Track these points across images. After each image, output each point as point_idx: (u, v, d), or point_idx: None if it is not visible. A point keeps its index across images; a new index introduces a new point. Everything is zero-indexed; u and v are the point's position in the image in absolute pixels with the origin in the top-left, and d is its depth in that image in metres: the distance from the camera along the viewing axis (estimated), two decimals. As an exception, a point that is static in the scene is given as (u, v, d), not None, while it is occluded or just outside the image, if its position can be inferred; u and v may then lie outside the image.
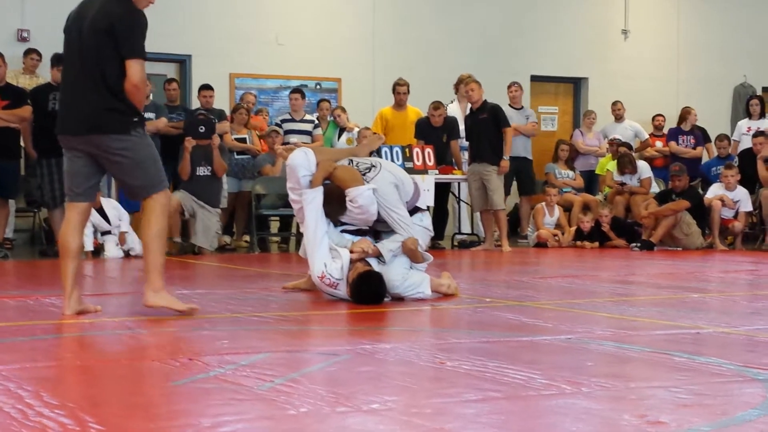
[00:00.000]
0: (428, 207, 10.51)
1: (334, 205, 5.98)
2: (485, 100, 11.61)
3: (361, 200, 5.89)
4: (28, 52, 11.98)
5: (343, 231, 6.15)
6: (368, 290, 5.81)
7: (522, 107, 13.28)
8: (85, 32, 5.23)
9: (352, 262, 5.90)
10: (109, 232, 10.32)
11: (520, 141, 12.87)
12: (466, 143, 12.11)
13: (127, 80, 5.14)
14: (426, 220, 6.41)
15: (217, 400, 3.22)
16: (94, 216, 9.98)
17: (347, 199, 5.93)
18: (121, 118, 5.18)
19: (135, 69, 5.15)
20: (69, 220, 5.40)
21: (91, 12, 5.25)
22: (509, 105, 12.99)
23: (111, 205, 10.41)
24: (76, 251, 5.35)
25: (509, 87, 13.28)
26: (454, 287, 6.38)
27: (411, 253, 6.04)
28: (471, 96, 11.58)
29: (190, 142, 10.78)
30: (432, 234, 6.74)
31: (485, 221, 11.84)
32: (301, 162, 6.03)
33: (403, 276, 6.03)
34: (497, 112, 11.56)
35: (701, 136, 14.19)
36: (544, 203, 12.64)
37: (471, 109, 11.79)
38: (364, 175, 6.04)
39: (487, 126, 11.50)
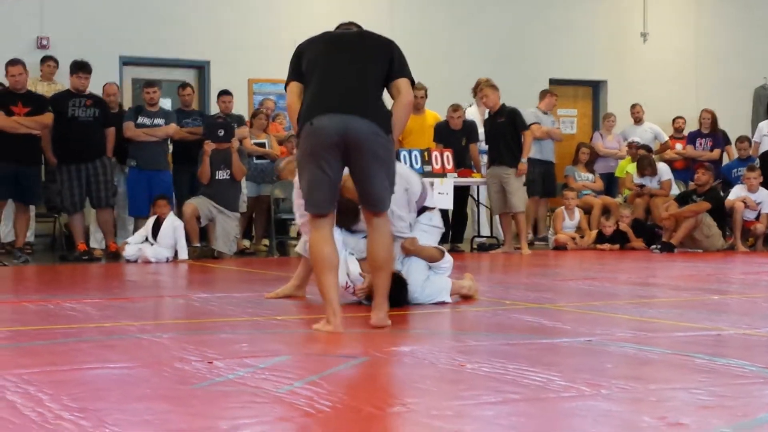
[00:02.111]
0: (445, 209, 10.50)
1: (349, 215, 5.93)
2: (503, 104, 11.59)
3: None
4: (45, 59, 12.04)
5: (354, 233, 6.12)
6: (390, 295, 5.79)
7: (548, 113, 13.28)
8: None
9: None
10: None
11: (548, 145, 12.90)
12: (485, 146, 12.10)
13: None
14: (435, 218, 6.35)
15: (236, 403, 3.22)
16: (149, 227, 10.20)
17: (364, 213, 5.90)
18: None
19: None
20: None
21: None
22: (538, 108, 12.95)
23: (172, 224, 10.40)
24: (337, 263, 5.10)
25: (546, 95, 13.24)
26: (474, 289, 6.36)
27: (415, 253, 6.01)
28: (486, 102, 11.59)
29: (209, 146, 10.81)
30: (443, 231, 6.65)
31: (505, 224, 11.82)
32: None
33: (422, 283, 6.01)
34: (515, 116, 11.54)
35: (721, 139, 14.12)
36: (563, 207, 12.61)
37: (489, 113, 11.80)
38: None
39: (506, 129, 11.49)
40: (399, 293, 5.79)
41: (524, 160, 11.54)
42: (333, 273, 4.97)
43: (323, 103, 4.91)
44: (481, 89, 11.69)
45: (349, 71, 5.02)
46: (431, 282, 6.07)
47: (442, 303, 6.05)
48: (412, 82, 5.14)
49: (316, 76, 5.01)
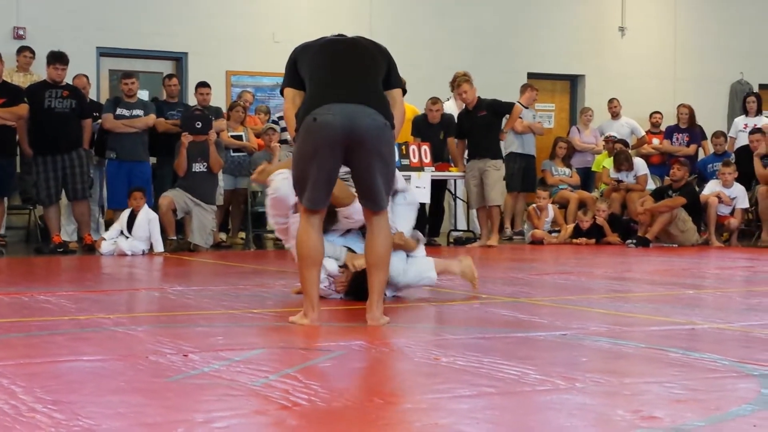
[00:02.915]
0: (422, 202, 10.52)
1: (328, 216, 5.91)
2: (479, 97, 11.63)
3: (356, 216, 5.87)
4: (22, 49, 11.96)
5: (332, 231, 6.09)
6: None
7: (528, 107, 13.30)
8: None
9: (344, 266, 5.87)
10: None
11: (530, 139, 12.94)
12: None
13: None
14: (409, 196, 6.26)
15: (211, 396, 3.21)
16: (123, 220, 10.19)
17: (342, 216, 5.88)
18: None
19: None
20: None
21: None
22: (519, 102, 13.01)
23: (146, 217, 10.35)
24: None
25: (526, 89, 13.25)
26: (470, 275, 6.30)
27: (401, 247, 6.02)
28: (465, 98, 11.60)
29: (186, 138, 10.78)
30: (417, 205, 6.56)
31: (482, 218, 11.85)
32: (288, 191, 5.70)
33: (403, 269, 6.00)
34: (497, 106, 11.62)
35: (698, 134, 14.19)
36: (534, 205, 12.63)
37: (466, 108, 11.77)
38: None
39: (488, 122, 11.54)
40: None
41: (506, 131, 11.74)
42: (316, 268, 4.95)
43: (328, 93, 4.82)
44: (459, 84, 11.67)
45: (351, 66, 4.96)
46: (412, 264, 6.06)
47: (422, 294, 6.05)
48: (404, 92, 5.13)
49: (317, 71, 4.93)
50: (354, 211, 5.79)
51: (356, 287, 5.81)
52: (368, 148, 4.79)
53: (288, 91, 5.05)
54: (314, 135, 4.75)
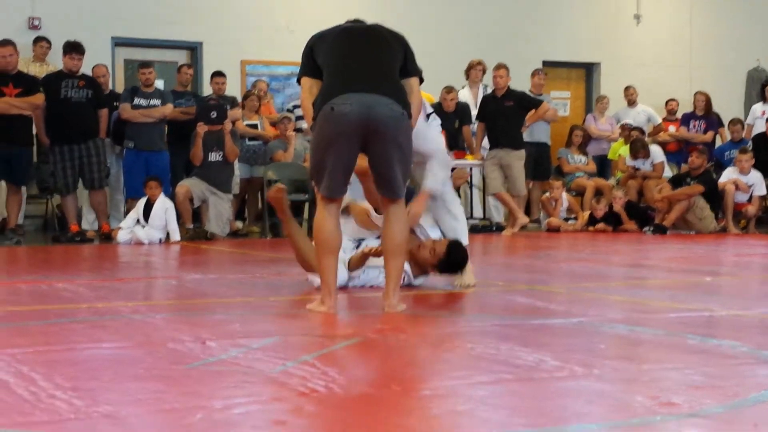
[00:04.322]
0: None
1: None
2: (509, 86, 11.75)
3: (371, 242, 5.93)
4: (38, 39, 12.00)
5: None
6: (456, 258, 5.80)
7: (541, 94, 13.29)
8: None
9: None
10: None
11: (541, 126, 12.91)
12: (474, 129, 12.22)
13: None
14: (441, 156, 6.02)
15: (229, 383, 3.22)
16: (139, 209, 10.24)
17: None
18: None
19: None
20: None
21: None
22: (530, 91, 12.99)
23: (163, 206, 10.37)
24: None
25: (534, 74, 13.31)
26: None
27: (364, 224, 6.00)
28: (498, 82, 11.76)
29: (202, 128, 10.79)
30: (449, 164, 6.52)
31: (505, 200, 11.88)
32: None
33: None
34: (525, 99, 11.80)
35: (715, 121, 14.13)
36: (548, 194, 12.62)
37: (494, 94, 11.84)
38: None
39: (514, 113, 11.67)
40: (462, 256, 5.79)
41: (528, 125, 11.95)
42: (333, 255, 4.96)
43: (345, 82, 4.82)
44: (497, 68, 11.85)
45: (368, 55, 4.97)
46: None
47: (439, 286, 6.05)
48: (421, 80, 5.12)
49: (333, 60, 4.93)
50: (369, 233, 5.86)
51: (447, 261, 5.78)
52: (385, 137, 4.79)
53: (305, 80, 5.05)
54: (331, 124, 4.75)
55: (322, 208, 4.94)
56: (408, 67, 5.06)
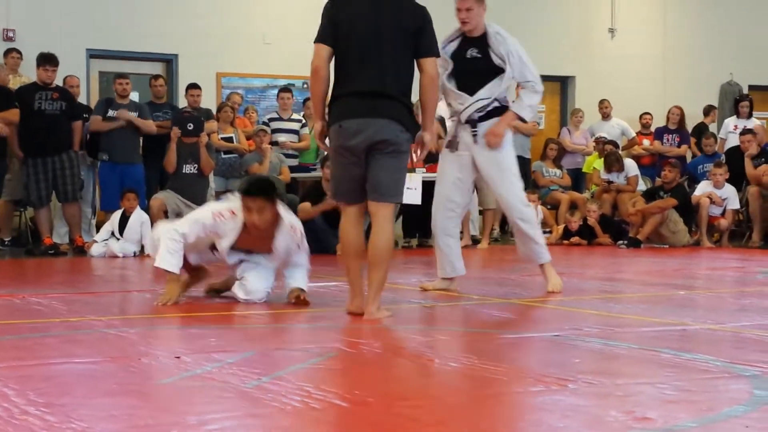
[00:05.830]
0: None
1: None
2: None
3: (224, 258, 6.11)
4: (9, 51, 11.93)
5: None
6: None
7: None
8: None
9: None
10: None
11: (519, 140, 12.93)
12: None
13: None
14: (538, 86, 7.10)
15: (204, 398, 3.21)
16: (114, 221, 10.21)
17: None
18: None
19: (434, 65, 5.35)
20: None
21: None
22: None
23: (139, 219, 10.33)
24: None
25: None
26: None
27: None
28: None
29: (176, 133, 10.75)
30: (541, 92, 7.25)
31: (487, 220, 11.90)
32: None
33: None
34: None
35: (688, 135, 14.23)
36: None
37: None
38: None
39: None
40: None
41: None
42: (356, 258, 5.31)
43: (352, 108, 5.14)
44: None
45: (382, 47, 5.15)
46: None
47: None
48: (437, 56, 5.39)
49: (347, 52, 5.20)
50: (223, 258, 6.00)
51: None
52: (385, 152, 5.18)
53: (322, 48, 5.28)
54: (340, 139, 5.20)
55: (344, 215, 5.35)
56: (420, 47, 5.23)
